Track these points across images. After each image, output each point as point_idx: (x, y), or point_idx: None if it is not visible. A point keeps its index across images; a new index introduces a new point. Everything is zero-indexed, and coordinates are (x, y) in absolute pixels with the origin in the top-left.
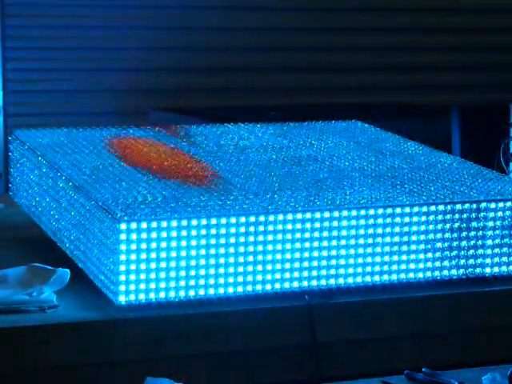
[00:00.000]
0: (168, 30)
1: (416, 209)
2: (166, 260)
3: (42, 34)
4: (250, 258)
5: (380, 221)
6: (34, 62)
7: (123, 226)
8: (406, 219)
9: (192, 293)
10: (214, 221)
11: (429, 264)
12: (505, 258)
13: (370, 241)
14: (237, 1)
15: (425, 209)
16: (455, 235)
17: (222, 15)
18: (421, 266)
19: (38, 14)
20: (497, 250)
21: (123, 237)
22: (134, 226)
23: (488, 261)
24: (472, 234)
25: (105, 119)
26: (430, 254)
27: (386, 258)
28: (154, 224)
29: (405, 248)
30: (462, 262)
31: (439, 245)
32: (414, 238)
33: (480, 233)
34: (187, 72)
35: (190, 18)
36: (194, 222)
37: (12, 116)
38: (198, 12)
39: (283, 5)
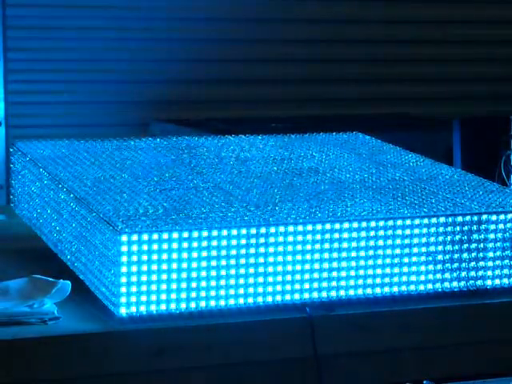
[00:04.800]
0: (169, 41)
1: (417, 221)
2: (167, 272)
3: (43, 46)
4: (251, 270)
5: (381, 233)
6: (35, 73)
7: (124, 238)
8: (407, 231)
9: (193, 305)
10: (215, 232)
11: (430, 276)
12: (506, 271)
13: (371, 253)
14: (237, 13)
15: (426, 221)
16: (456, 247)
17: (222, 27)
18: (422, 278)
19: (39, 26)
20: (498, 262)
21: (124, 249)
22: (135, 237)
23: (489, 273)
24: (473, 246)
25: (106, 131)
26: (431, 266)
27: (388, 270)
28: (155, 236)
29: (406, 260)
30: (463, 274)
31: (440, 257)
32: (415, 250)
33: (481, 245)
34: (188, 83)
35: (190, 30)
36: (195, 234)
37: (13, 127)
38: (199, 24)
39: (283, 16)
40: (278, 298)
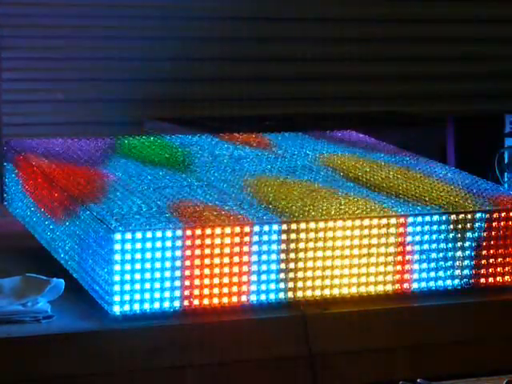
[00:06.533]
0: (164, 40)
1: (411, 219)
2: (160, 270)
3: (37, 44)
4: (245, 268)
5: (375, 231)
6: (29, 71)
7: (118, 237)
8: (401, 229)
9: (186, 303)
10: (208, 231)
11: (424, 274)
12: (500, 269)
13: (364, 251)
14: (232, 11)
15: (419, 219)
16: (450, 245)
17: (217, 25)
18: (416, 276)
19: (33, 25)
20: (492, 261)
21: (118, 247)
22: (128, 236)
23: (483, 271)
24: (467, 244)
25: (100, 129)
26: (425, 265)
27: (381, 269)
28: (149, 234)
29: (400, 258)
30: (458, 272)
31: (434, 255)
32: (409, 248)
33: (475, 243)
34: (182, 82)
35: (185, 29)
36: (189, 232)
37: (7, 126)
38: (194, 22)
39: (279, 15)
40: (272, 296)
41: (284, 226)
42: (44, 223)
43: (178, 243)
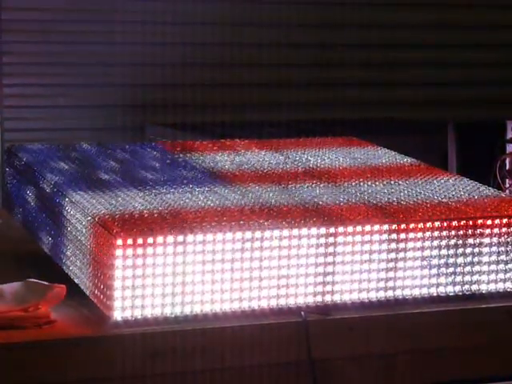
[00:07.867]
0: (165, 45)
1: (412, 225)
2: (161, 276)
3: (39, 50)
4: (246, 274)
5: (376, 237)
6: (30, 77)
7: (119, 242)
8: (402, 235)
9: (188, 309)
10: (210, 237)
11: (425, 281)
12: (501, 275)
13: (366, 257)
14: (233, 17)
15: (421, 225)
16: (451, 252)
17: (218, 31)
18: (417, 282)
19: (34, 30)
20: (493, 267)
21: (119, 252)
22: (129, 241)
23: (484, 277)
24: (468, 250)
25: (102, 134)
26: (426, 271)
27: (382, 275)
28: (150, 240)
29: (401, 264)
30: (459, 278)
31: (435, 261)
32: (409, 254)
33: (476, 249)
34: (184, 87)
35: (186, 34)
36: (190, 238)
37: (9, 131)
38: (194, 27)
39: (281, 21)
40: (273, 302)
41: (285, 232)
42: (45, 228)
43: (179, 249)
